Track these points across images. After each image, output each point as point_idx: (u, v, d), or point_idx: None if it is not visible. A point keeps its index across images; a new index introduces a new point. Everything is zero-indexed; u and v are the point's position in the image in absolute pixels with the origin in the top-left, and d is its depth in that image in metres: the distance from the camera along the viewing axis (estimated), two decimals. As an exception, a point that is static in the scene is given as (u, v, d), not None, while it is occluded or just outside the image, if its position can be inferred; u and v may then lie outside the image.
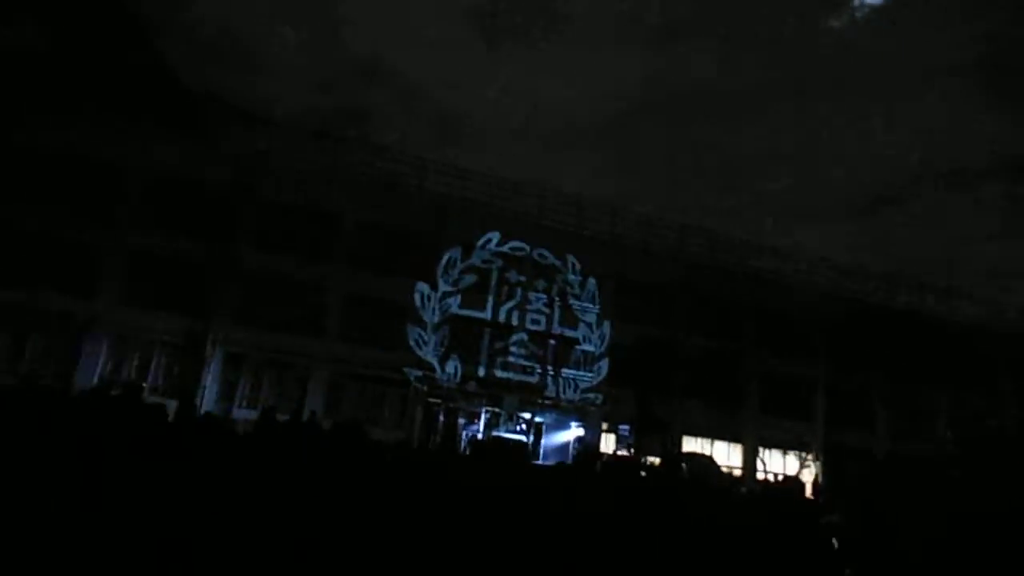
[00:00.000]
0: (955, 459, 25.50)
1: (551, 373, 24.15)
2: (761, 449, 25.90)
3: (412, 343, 22.85)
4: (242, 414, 20.31)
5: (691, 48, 76.88)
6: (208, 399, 20.30)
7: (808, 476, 25.44)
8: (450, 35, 73.67)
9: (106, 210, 21.09)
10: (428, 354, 22.91)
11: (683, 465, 19.29)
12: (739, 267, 28.18)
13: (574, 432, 22.78)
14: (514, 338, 24.00)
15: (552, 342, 24.42)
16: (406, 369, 22.42)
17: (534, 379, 23.98)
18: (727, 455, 25.31)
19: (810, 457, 25.88)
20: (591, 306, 25.00)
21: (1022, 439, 27.71)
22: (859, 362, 27.48)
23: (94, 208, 20.95)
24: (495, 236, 24.25)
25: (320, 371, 22.05)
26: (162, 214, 21.49)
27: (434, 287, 23.37)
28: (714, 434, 25.45)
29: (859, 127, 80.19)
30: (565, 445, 22.11)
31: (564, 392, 24.07)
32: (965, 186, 78.73)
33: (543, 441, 21.97)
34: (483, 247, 24.13)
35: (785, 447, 26.24)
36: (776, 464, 25.78)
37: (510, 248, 24.35)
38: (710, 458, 23.15)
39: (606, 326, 24.98)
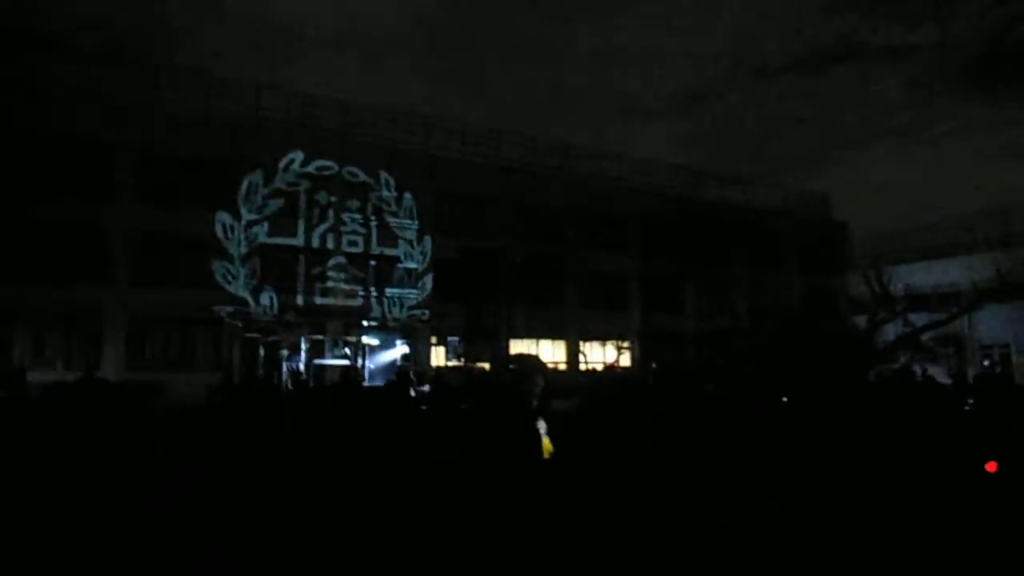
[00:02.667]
0: (747, 331, 28.70)
1: (375, 294, 23.79)
2: (582, 342, 27.54)
3: (220, 278, 21.40)
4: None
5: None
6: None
7: (625, 361, 27.59)
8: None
9: None
10: (239, 288, 21.63)
11: (512, 366, 20.21)
12: (556, 171, 28.80)
13: (400, 350, 22.84)
14: (331, 262, 23.21)
15: (372, 263, 23.90)
16: (216, 307, 21.06)
17: (357, 302, 23.53)
18: (552, 352, 26.70)
19: (626, 344, 27.93)
20: (410, 222, 24.59)
21: (802, 309, 31.63)
22: (669, 252, 29.60)
23: None
24: (298, 156, 22.78)
25: (115, 320, 20.17)
26: None
27: (237, 216, 21.78)
28: (539, 334, 26.64)
29: (675, 24, 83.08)
30: (392, 363, 22.15)
31: (390, 312, 23.90)
32: (769, 79, 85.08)
33: (368, 362, 21.85)
34: (286, 169, 22.63)
35: (604, 338, 28.09)
36: (596, 355, 27.61)
37: (316, 168, 23.04)
38: (536, 357, 24.34)
39: (427, 241, 24.78)
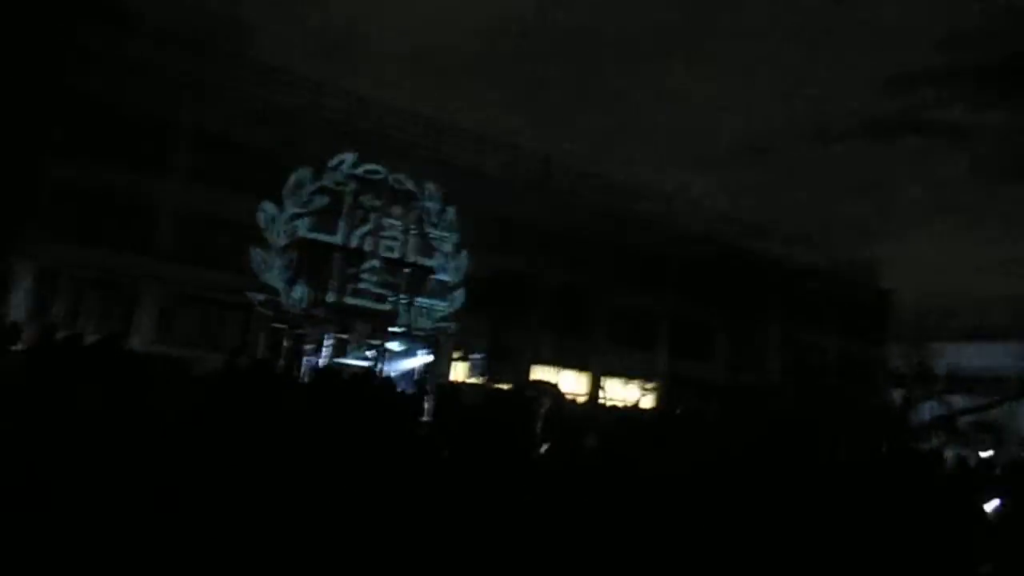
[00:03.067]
0: (778, 388, 27.93)
1: (404, 301, 23.85)
2: (605, 378, 27.14)
3: (256, 266, 21.72)
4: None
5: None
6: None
7: (648, 403, 27.06)
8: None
9: None
10: (273, 278, 21.89)
11: (529, 393, 19.96)
12: (601, 205, 28.71)
13: (421, 359, 22.79)
14: (367, 265, 23.37)
15: (407, 270, 24.01)
16: (249, 293, 21.36)
17: (387, 307, 23.61)
18: (574, 383, 26.36)
19: (650, 386, 27.44)
20: (449, 235, 24.69)
21: (835, 374, 30.72)
22: (703, 298, 29.13)
23: None
24: (350, 157, 23.14)
25: (150, 292, 20.59)
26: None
27: (281, 208, 22.15)
28: (562, 363, 26.35)
29: (741, 78, 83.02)
30: (410, 372, 22.11)
31: (417, 320, 23.91)
32: (831, 142, 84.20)
33: (387, 367, 21.81)
34: (336, 168, 22.99)
35: (628, 376, 27.64)
36: (617, 391, 27.16)
37: (365, 171, 23.35)
38: (555, 385, 24.04)
39: (463, 256, 24.81)
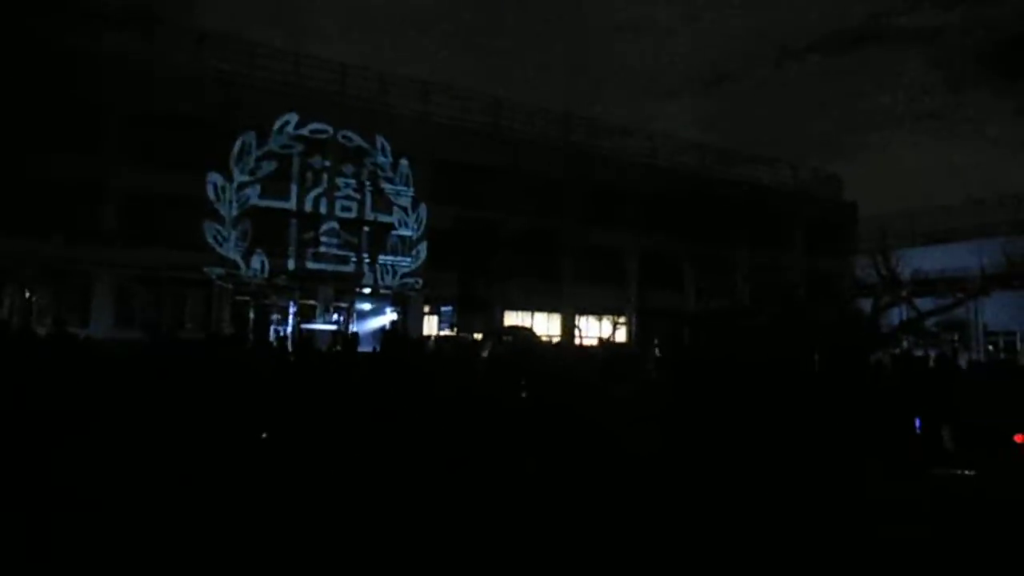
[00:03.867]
0: (748, 311, 28.23)
1: (367, 261, 23.59)
2: (578, 316, 27.26)
3: (211, 240, 21.28)
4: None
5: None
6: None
7: (621, 337, 27.29)
8: None
9: None
10: (230, 250, 21.50)
11: (506, 338, 20.00)
12: (557, 142, 28.31)
13: (389, 317, 22.70)
14: (324, 227, 23.00)
15: (366, 229, 23.67)
16: (206, 268, 20.99)
17: (350, 268, 23.35)
18: (547, 325, 26.45)
19: (621, 320, 27.60)
20: (405, 189, 24.29)
21: (805, 291, 31.07)
22: (671, 229, 29.07)
23: None
24: (293, 118, 22.48)
25: (104, 278, 20.12)
26: None
27: (229, 178, 21.59)
28: (534, 307, 26.39)
29: (692, 3, 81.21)
30: (380, 330, 22.00)
31: (383, 279, 23.72)
32: (793, 59, 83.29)
33: (357, 328, 21.70)
34: (280, 131, 22.35)
35: (600, 313, 27.78)
36: (592, 329, 27.31)
37: (311, 131, 22.74)
38: (530, 330, 24.11)
39: (422, 209, 24.49)
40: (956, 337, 30.30)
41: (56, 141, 19.35)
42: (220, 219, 21.39)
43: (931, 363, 11.06)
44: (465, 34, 79.18)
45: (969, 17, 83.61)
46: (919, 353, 19.19)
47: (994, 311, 29.51)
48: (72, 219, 19.69)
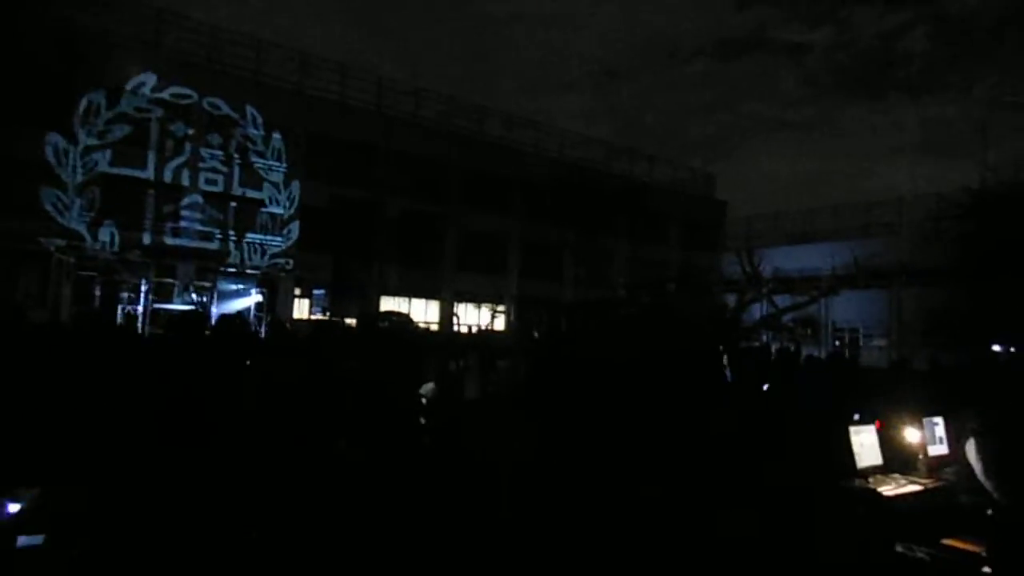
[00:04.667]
0: (622, 301, 29.05)
1: (233, 238, 22.18)
2: (457, 304, 27.01)
3: (49, 207, 19.22)
4: None
5: None
6: None
7: (499, 325, 27.29)
8: None
9: None
10: (72, 220, 19.52)
11: (382, 324, 19.35)
12: (444, 125, 27.81)
13: (254, 298, 21.44)
14: (186, 200, 21.38)
15: (233, 204, 22.22)
16: (43, 240, 18.91)
17: (214, 245, 21.86)
18: (424, 311, 26.02)
19: (500, 308, 27.63)
20: (277, 164, 23.02)
21: (677, 283, 32.38)
22: (551, 218, 29.37)
23: None
24: (151, 79, 20.66)
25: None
26: None
27: (73, 140, 19.55)
28: (412, 292, 25.86)
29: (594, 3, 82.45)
30: (245, 312, 20.75)
31: (250, 258, 22.39)
32: (681, 63, 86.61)
33: (217, 309, 20.34)
34: (136, 92, 20.49)
35: (480, 300, 27.66)
36: (471, 317, 27.15)
37: (172, 95, 21.00)
38: (407, 316, 23.60)
39: (295, 186, 23.31)
40: (808, 332, 32.58)
41: None
42: (62, 185, 19.35)
43: (773, 356, 11.61)
44: (355, 10, 76.50)
45: (835, 36, 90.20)
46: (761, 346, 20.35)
47: (842, 308, 31.95)
48: None
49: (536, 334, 22.90)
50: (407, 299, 25.67)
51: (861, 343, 31.66)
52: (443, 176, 26.88)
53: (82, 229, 19.52)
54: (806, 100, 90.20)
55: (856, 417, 4.42)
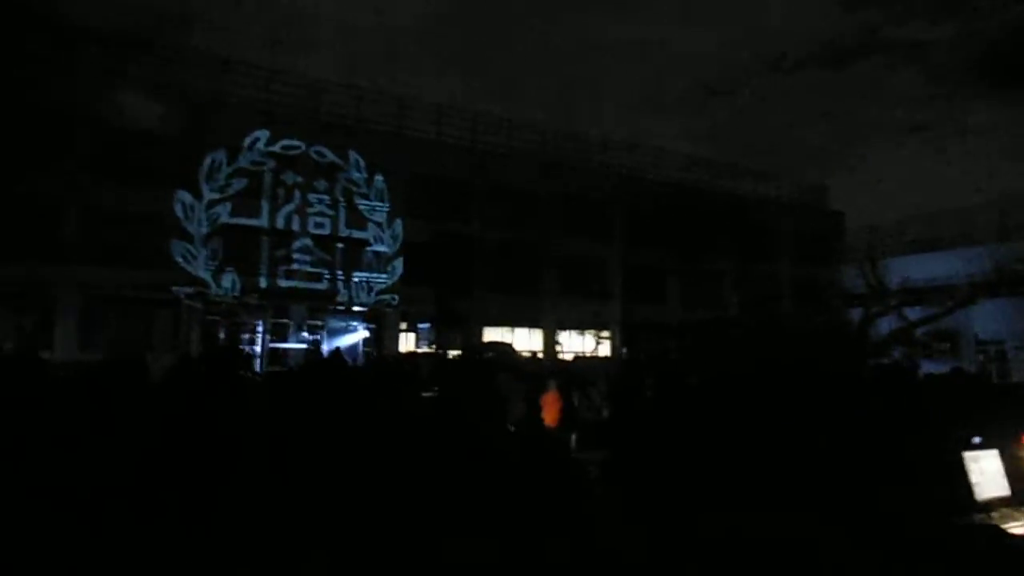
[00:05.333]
0: (733, 322, 27.79)
1: (341, 277, 23.19)
2: (560, 331, 26.79)
3: (179, 259, 20.90)
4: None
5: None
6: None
7: (604, 351, 26.80)
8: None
9: None
10: (199, 269, 21.11)
11: (487, 354, 19.52)
12: (538, 155, 28.04)
13: (361, 334, 22.26)
14: (297, 244, 22.63)
15: (340, 245, 23.30)
16: (175, 288, 20.56)
17: (323, 285, 22.95)
18: (527, 340, 25.98)
19: (605, 334, 27.13)
20: (380, 204, 23.95)
21: (792, 301, 30.66)
22: (654, 240, 28.72)
23: None
24: (264, 135, 22.21)
25: (69, 299, 19.72)
26: None
27: (198, 195, 21.26)
28: (514, 322, 25.93)
29: (692, 17, 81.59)
30: (353, 347, 21.58)
31: (357, 296, 23.30)
32: (787, 75, 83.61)
33: (327, 347, 21.24)
34: (251, 148, 22.07)
35: (583, 327, 27.31)
36: (574, 344, 26.85)
37: (282, 147, 22.46)
38: (509, 345, 23.67)
39: (398, 224, 24.13)
40: (947, 346, 29.81)
41: (17, 156, 19.04)
42: (189, 237, 21.03)
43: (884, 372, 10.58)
44: (453, 54, 79.42)
45: (959, 30, 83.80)
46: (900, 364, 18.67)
47: (986, 320, 28.99)
48: (34, 237, 19.34)
49: (643, 358, 22.28)
50: (510, 329, 25.76)
51: (1010, 357, 28.52)
52: (539, 204, 27.00)
53: (207, 277, 21.05)
54: (928, 100, 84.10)
55: (977, 441, 3.78)
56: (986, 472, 3.61)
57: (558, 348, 26.49)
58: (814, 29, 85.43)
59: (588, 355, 25.71)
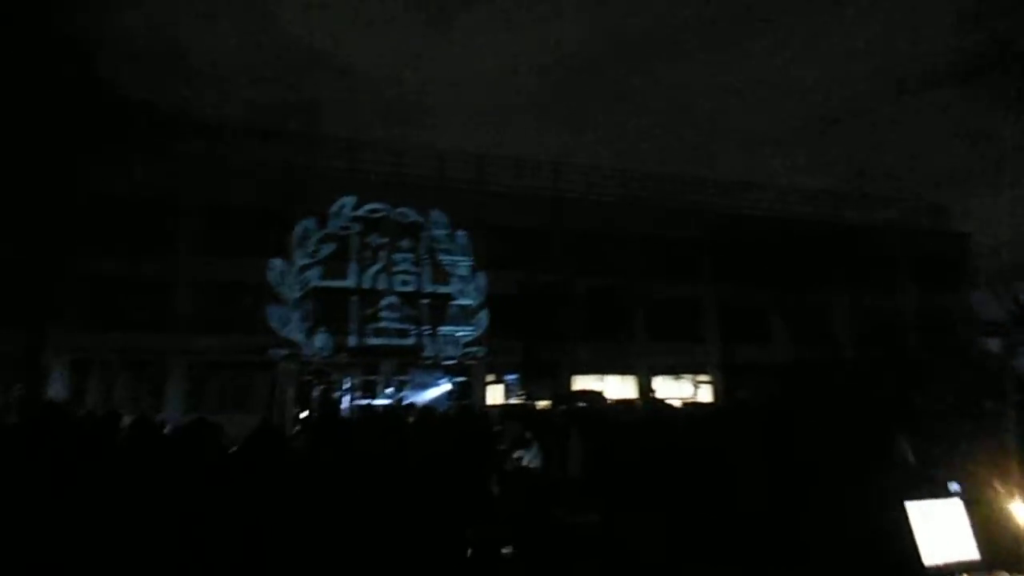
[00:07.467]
0: (848, 359, 25.55)
1: (428, 332, 23.53)
2: (653, 377, 25.64)
3: (274, 322, 22.04)
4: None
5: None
6: (54, 411, 19.37)
7: (705, 397, 25.32)
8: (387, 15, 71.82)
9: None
10: (293, 331, 22.14)
11: (577, 403, 18.99)
12: (622, 198, 27.68)
13: (446, 387, 22.26)
14: (383, 302, 23.29)
15: (425, 301, 23.74)
16: (270, 351, 21.64)
17: (410, 341, 23.35)
18: (620, 388, 25.02)
19: (703, 378, 25.67)
20: (463, 259, 24.33)
21: (919, 326, 27.83)
22: (751, 278, 27.21)
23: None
24: (349, 201, 23.36)
25: (177, 365, 21.21)
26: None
27: (290, 262, 22.50)
28: (604, 369, 25.12)
29: (806, 51, 79.41)
30: (438, 401, 21.57)
31: (444, 349, 23.50)
32: (912, 95, 79.11)
33: (412, 400, 21.36)
34: (338, 214, 23.24)
35: (678, 372, 26.01)
36: (671, 390, 25.54)
37: (367, 211, 23.50)
38: (600, 394, 22.86)
39: (480, 277, 24.35)
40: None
41: (129, 238, 21.05)
42: (283, 302, 22.17)
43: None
44: (563, 110, 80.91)
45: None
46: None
47: None
48: (145, 310, 21.08)
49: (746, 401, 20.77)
50: (600, 376, 24.96)
51: None
52: (625, 248, 26.44)
53: (300, 338, 22.02)
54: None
55: (956, 489, 2.95)
56: (942, 528, 2.77)
57: (651, 395, 25.29)
58: (939, 47, 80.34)
59: (688, 401, 24.36)
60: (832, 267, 28.59)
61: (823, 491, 3.61)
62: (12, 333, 19.61)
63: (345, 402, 20.73)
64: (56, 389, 19.96)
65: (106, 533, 4.10)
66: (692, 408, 23.19)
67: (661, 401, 24.16)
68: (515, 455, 6.16)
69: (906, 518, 2.73)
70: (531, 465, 6.15)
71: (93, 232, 21.04)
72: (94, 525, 4.04)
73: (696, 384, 25.62)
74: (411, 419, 8.30)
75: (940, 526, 2.75)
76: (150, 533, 4.11)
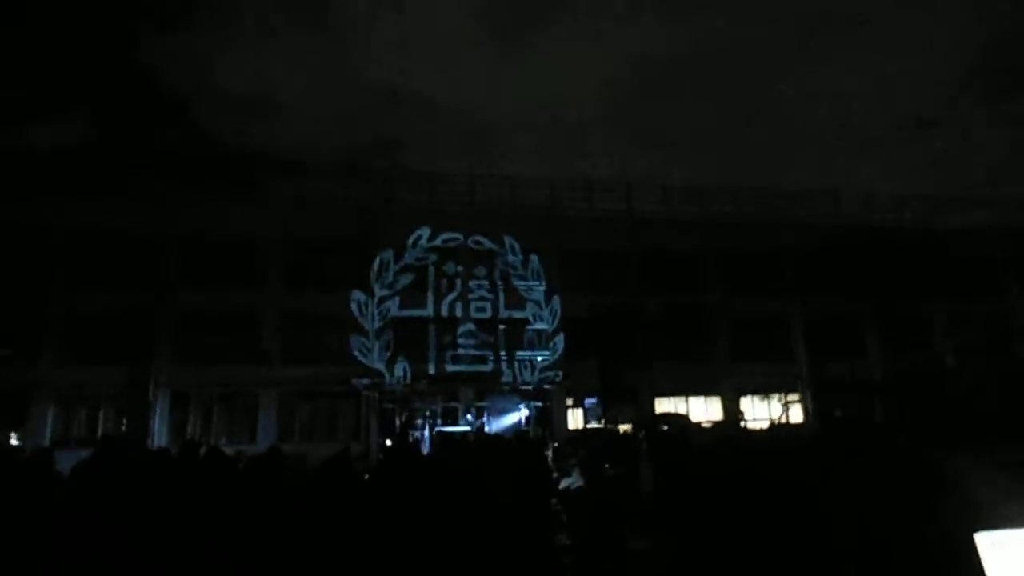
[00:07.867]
0: (951, 371, 23.89)
1: (504, 358, 23.62)
2: (740, 398, 24.72)
3: (356, 353, 22.69)
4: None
5: (699, 10, 75.48)
6: (158, 442, 20.58)
7: (795, 417, 24.20)
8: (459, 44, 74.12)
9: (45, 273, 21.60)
10: (374, 361, 22.72)
11: (661, 427, 18.63)
12: (700, 216, 27.07)
13: (523, 413, 22.24)
14: (461, 329, 23.59)
15: (501, 327, 23.89)
16: (354, 381, 22.27)
17: (488, 367, 23.50)
18: (705, 410, 24.27)
19: (793, 397, 24.52)
20: (536, 283, 24.38)
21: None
22: (841, 290, 25.93)
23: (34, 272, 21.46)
24: (425, 232, 23.93)
25: (268, 396, 22.13)
26: (92, 267, 21.82)
27: (370, 294, 23.19)
28: (687, 391, 24.44)
29: (896, 53, 76.18)
30: (515, 426, 21.56)
31: (521, 375, 23.51)
32: (1006, 94, 74.35)
33: (490, 427, 21.44)
34: (414, 245, 23.83)
35: (767, 391, 24.97)
36: (759, 411, 24.56)
37: (443, 241, 23.98)
38: (685, 417, 22.26)
39: (556, 301, 24.31)
40: None
41: (223, 277, 22.28)
42: (364, 333, 22.83)
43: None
44: (637, 126, 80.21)
45: None
46: None
47: None
48: (239, 345, 22.16)
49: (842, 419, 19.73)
50: (683, 398, 24.30)
51: None
52: (702, 266, 25.84)
53: (381, 367, 22.56)
54: None
55: None
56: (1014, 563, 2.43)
57: (740, 416, 24.40)
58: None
59: (777, 422, 23.37)
60: (929, 275, 26.87)
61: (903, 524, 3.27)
62: (116, 371, 21.03)
63: (426, 430, 21.07)
64: (158, 422, 21.22)
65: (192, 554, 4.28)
66: (774, 430, 22.27)
67: (736, 423, 23.31)
68: (561, 483, 6.09)
69: (975, 549, 2.46)
70: (571, 488, 6.08)
71: (188, 271, 22.44)
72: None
73: (786, 403, 24.50)
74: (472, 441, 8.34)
75: (1013, 557, 2.44)
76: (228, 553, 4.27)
